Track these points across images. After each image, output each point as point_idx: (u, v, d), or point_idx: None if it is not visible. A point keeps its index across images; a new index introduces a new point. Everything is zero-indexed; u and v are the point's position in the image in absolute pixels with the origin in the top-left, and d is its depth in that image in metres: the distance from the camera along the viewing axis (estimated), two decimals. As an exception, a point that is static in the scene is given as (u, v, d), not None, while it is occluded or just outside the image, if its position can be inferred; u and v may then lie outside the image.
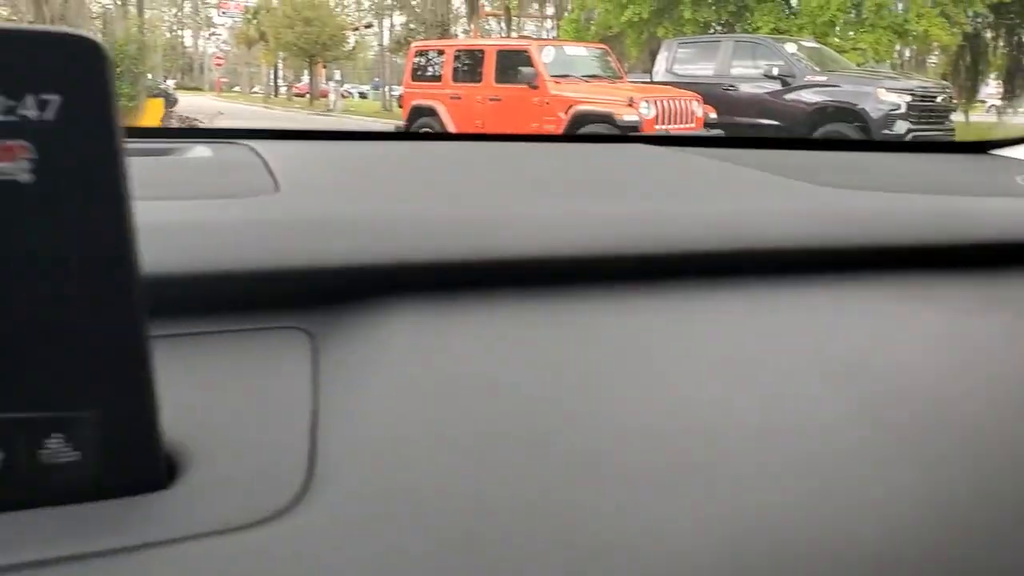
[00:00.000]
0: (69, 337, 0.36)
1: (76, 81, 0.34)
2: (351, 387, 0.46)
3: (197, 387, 0.43)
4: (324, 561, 0.35)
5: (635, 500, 0.39)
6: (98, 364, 0.37)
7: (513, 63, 9.41)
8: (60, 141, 0.34)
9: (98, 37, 0.36)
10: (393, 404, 0.44)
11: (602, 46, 10.98)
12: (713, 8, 15.11)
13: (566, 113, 8.79)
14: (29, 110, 0.34)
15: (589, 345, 0.52)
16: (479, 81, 9.76)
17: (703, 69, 10.50)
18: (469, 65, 10.03)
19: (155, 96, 13.57)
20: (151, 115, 12.30)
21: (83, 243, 0.36)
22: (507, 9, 20.54)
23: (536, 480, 0.40)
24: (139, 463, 0.38)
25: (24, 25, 0.36)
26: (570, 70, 9.50)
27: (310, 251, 0.54)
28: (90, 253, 0.36)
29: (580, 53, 10.20)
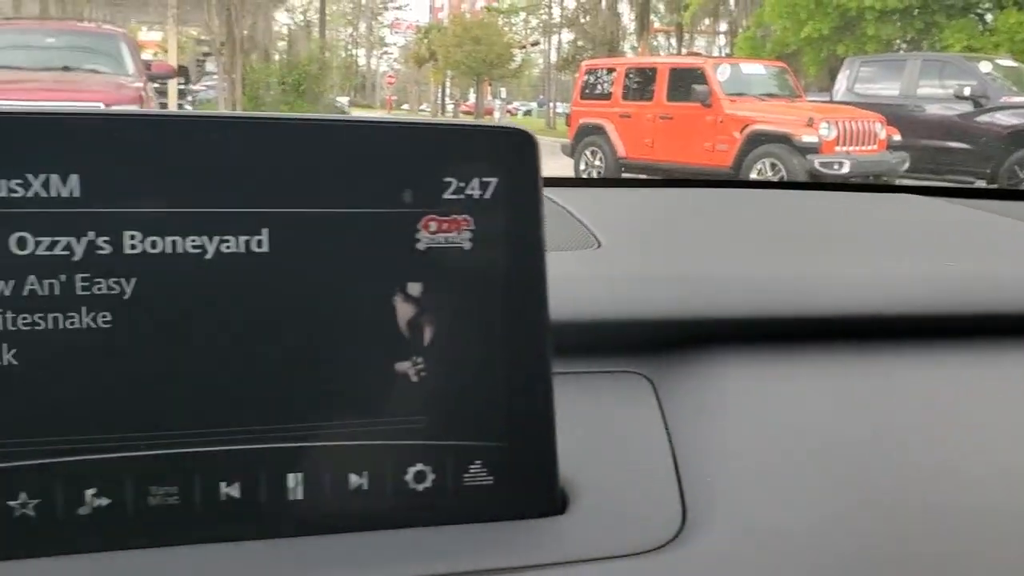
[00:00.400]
0: (492, 375, 0.42)
1: (510, 166, 0.42)
2: (698, 430, 0.50)
3: (562, 423, 0.46)
4: None
5: (980, 546, 0.43)
6: (514, 400, 0.42)
7: (686, 81, 9.29)
8: (493, 214, 0.42)
9: (530, 129, 0.42)
10: (741, 447, 0.48)
11: (780, 63, 10.70)
12: (898, 25, 14.40)
13: (741, 132, 8.60)
14: (474, 191, 0.41)
15: (905, 397, 0.55)
16: (650, 99, 9.68)
17: (887, 89, 10.05)
18: (640, 83, 9.98)
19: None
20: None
21: (508, 296, 0.42)
22: (679, 26, 20.33)
23: (888, 525, 0.43)
24: (540, 490, 0.43)
25: (472, 121, 0.45)
26: (746, 88, 9.29)
27: (642, 303, 0.59)
28: (513, 304, 0.42)
29: (756, 71, 9.96)
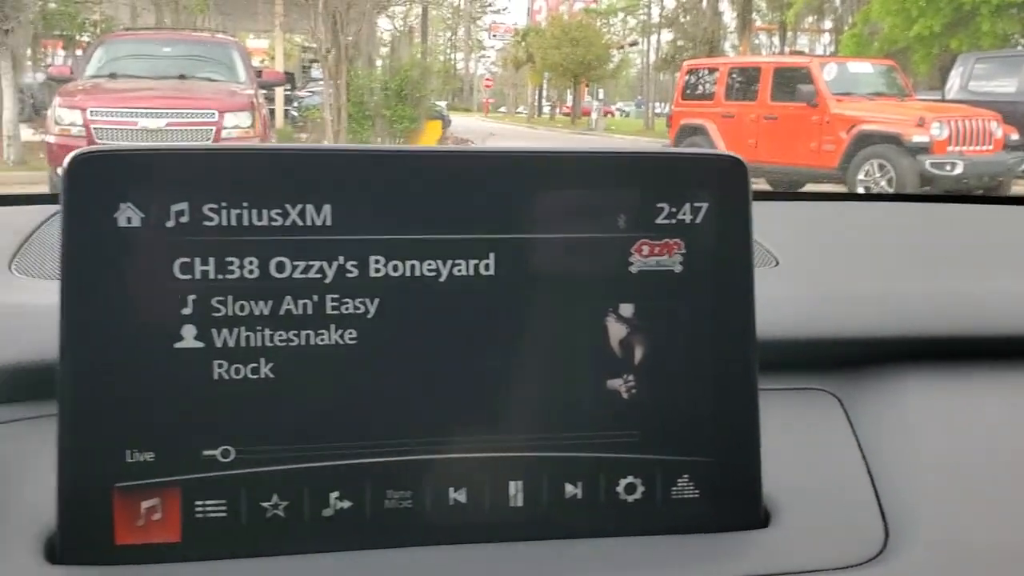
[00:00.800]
0: (700, 393, 0.44)
1: (720, 190, 0.44)
2: (889, 447, 0.51)
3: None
4: None
5: None
6: (721, 416, 0.44)
7: (791, 80, 9.09)
8: (704, 237, 0.44)
9: (739, 156, 0.44)
10: (934, 464, 0.49)
11: (889, 62, 10.38)
12: (1016, 19, 13.80)
13: (848, 133, 8.38)
14: (685, 215, 0.44)
15: None
16: (754, 99, 9.51)
17: (1003, 86, 9.62)
18: (743, 83, 9.81)
19: (433, 118, 14.28)
20: (430, 137, 12.96)
21: (717, 316, 0.44)
22: (781, 24, 19.95)
23: None
24: (745, 504, 0.45)
25: (680, 148, 0.47)
26: (853, 87, 9.05)
27: (827, 322, 0.60)
28: (722, 324, 0.44)
29: (864, 70, 9.69)
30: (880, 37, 15.10)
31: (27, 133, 8.99)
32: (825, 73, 8.97)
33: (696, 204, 0.44)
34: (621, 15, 29.84)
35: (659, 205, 0.43)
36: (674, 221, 0.43)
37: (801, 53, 14.99)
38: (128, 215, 0.40)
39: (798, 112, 8.86)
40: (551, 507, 0.43)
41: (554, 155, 0.43)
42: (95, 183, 0.40)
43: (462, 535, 0.42)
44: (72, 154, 0.40)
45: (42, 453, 0.43)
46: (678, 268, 0.44)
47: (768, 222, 0.85)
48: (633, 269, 0.43)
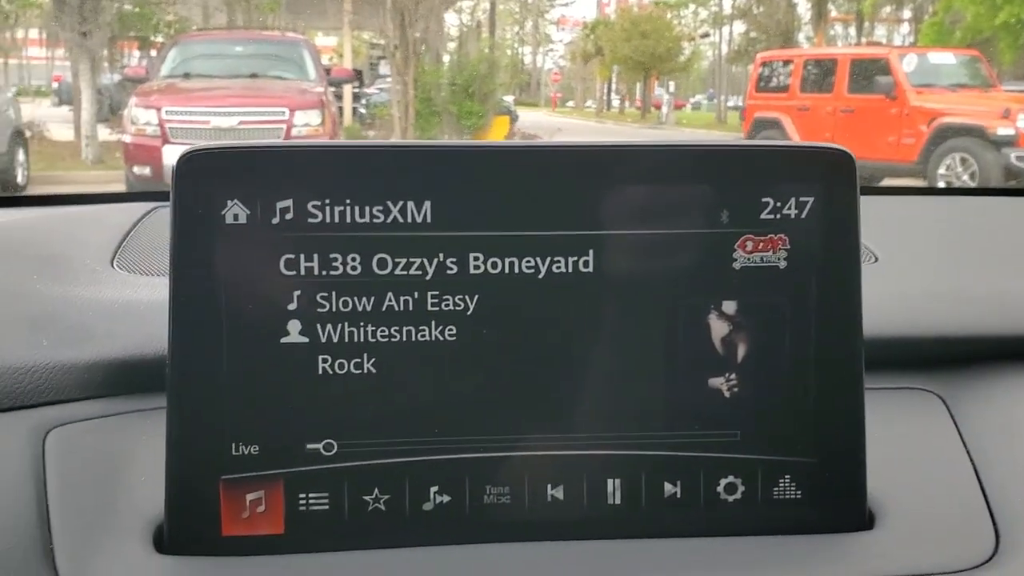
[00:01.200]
0: (804, 392, 0.43)
1: (827, 184, 0.43)
2: (998, 449, 0.49)
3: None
4: None
5: None
6: (825, 416, 0.43)
7: (868, 72, 8.88)
8: (808, 233, 0.43)
9: (847, 148, 0.43)
10: None
11: (972, 51, 10.08)
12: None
13: (928, 126, 8.14)
14: (790, 210, 0.43)
15: None
16: (830, 91, 9.32)
17: (1095, 74, 9.27)
18: (818, 75, 9.62)
19: (501, 114, 14.27)
20: (498, 132, 12.96)
21: (822, 314, 0.43)
22: (858, 14, 19.51)
23: None
24: (849, 505, 0.44)
25: (787, 141, 0.46)
26: (934, 79, 8.80)
27: (930, 320, 0.58)
28: (827, 322, 0.43)
29: (946, 60, 9.41)
30: (962, 26, 14.61)
31: (104, 133, 9.24)
32: (904, 64, 8.74)
33: (802, 199, 0.43)
34: (692, 7, 29.45)
35: (764, 199, 0.43)
36: (779, 216, 0.43)
37: (879, 44, 14.63)
38: (235, 212, 0.41)
39: (876, 104, 8.64)
40: (649, 506, 0.43)
41: (655, 148, 0.43)
42: (203, 181, 0.40)
43: (560, 532, 0.42)
44: (181, 152, 0.41)
45: (151, 446, 0.44)
46: (782, 264, 0.43)
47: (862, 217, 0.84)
48: (736, 265, 0.43)
